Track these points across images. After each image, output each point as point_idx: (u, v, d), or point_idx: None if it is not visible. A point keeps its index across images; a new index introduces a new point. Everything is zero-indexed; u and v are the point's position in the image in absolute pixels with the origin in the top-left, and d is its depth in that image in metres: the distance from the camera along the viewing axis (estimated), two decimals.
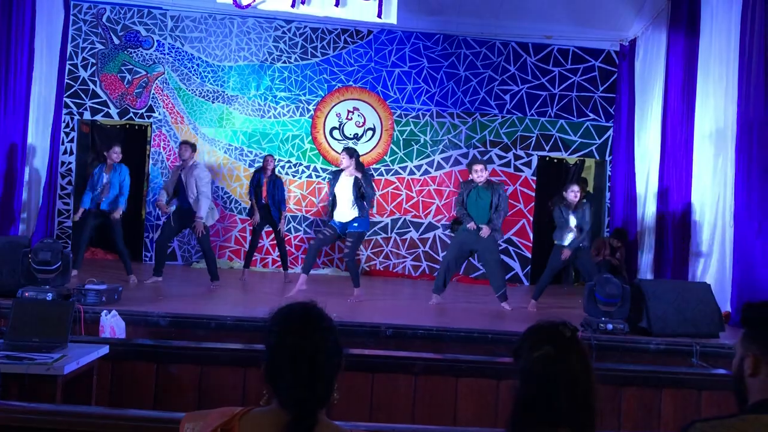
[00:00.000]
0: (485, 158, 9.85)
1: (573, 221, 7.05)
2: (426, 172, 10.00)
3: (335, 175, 7.06)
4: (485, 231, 6.87)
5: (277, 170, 8.73)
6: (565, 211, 7.09)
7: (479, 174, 6.97)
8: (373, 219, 9.88)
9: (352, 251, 6.91)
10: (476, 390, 4.19)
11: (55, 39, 9.40)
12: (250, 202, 8.46)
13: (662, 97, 8.65)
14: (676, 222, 7.99)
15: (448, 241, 9.72)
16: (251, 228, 8.61)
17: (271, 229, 8.58)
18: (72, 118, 9.74)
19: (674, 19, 8.46)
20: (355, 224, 6.83)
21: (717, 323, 5.74)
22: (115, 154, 7.56)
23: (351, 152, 6.97)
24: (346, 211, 6.86)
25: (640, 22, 9.44)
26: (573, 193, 7.14)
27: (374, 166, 9.95)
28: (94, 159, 9.96)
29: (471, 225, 6.87)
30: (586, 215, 7.08)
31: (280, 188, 8.34)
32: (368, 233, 9.82)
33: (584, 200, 7.31)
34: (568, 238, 7.05)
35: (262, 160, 8.68)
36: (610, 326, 5.52)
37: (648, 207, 8.92)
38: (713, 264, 7.14)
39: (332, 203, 6.98)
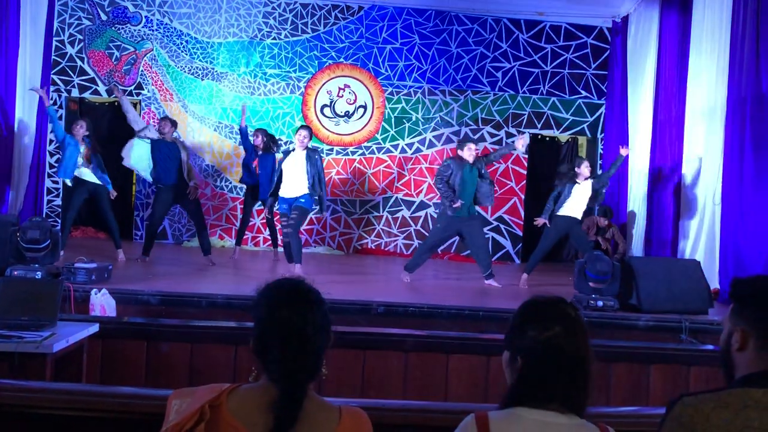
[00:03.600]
0: (477, 136, 9.83)
1: (585, 193, 7.09)
2: (417, 150, 9.96)
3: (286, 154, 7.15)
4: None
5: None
6: (571, 187, 7.12)
7: (473, 152, 7.06)
8: (364, 198, 9.87)
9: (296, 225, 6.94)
10: (467, 366, 4.23)
11: (41, 15, 9.23)
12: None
13: (654, 74, 8.62)
14: (667, 199, 8.02)
15: None
16: (242, 206, 8.55)
17: (262, 207, 8.51)
18: (59, 96, 9.61)
19: None
20: (302, 200, 6.89)
21: (706, 300, 5.79)
22: (80, 128, 7.22)
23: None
24: (294, 188, 6.91)
25: None
26: (586, 166, 7.18)
27: (365, 144, 9.90)
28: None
29: (458, 204, 6.88)
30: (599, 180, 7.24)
31: (272, 163, 8.22)
32: (359, 212, 9.82)
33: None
34: (566, 209, 7.09)
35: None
36: (600, 303, 5.59)
37: (639, 184, 8.93)
38: (703, 241, 7.17)
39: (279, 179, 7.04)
